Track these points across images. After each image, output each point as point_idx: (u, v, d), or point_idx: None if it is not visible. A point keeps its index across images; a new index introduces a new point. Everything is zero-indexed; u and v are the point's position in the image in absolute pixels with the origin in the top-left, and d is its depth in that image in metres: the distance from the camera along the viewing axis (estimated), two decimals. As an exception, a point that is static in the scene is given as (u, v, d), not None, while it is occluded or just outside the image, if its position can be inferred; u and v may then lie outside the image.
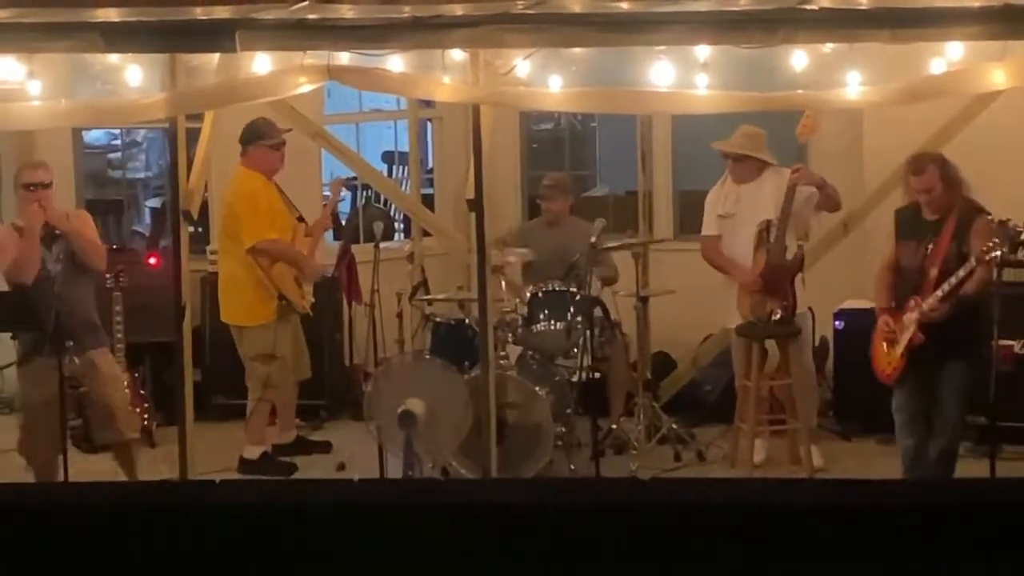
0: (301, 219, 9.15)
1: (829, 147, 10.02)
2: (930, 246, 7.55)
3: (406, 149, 11.81)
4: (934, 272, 7.50)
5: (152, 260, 10.19)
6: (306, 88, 7.85)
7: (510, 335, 8.81)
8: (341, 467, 8.91)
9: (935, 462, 7.71)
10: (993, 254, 7.24)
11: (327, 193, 11.78)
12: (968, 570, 3.37)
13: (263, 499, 3.76)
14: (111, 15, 7.67)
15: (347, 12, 7.51)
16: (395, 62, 7.70)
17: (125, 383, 8.73)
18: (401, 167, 13.48)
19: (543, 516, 3.54)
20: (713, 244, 8.94)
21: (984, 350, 7.55)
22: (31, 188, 7.86)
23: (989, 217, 7.48)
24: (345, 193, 11.18)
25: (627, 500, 3.63)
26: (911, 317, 7.55)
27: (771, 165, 8.73)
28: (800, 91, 7.70)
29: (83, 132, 11.52)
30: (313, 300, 9.11)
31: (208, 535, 3.51)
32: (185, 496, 3.88)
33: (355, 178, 9.55)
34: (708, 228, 9.01)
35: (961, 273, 7.39)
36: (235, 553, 3.52)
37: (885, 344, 7.72)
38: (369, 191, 12.46)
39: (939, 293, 7.45)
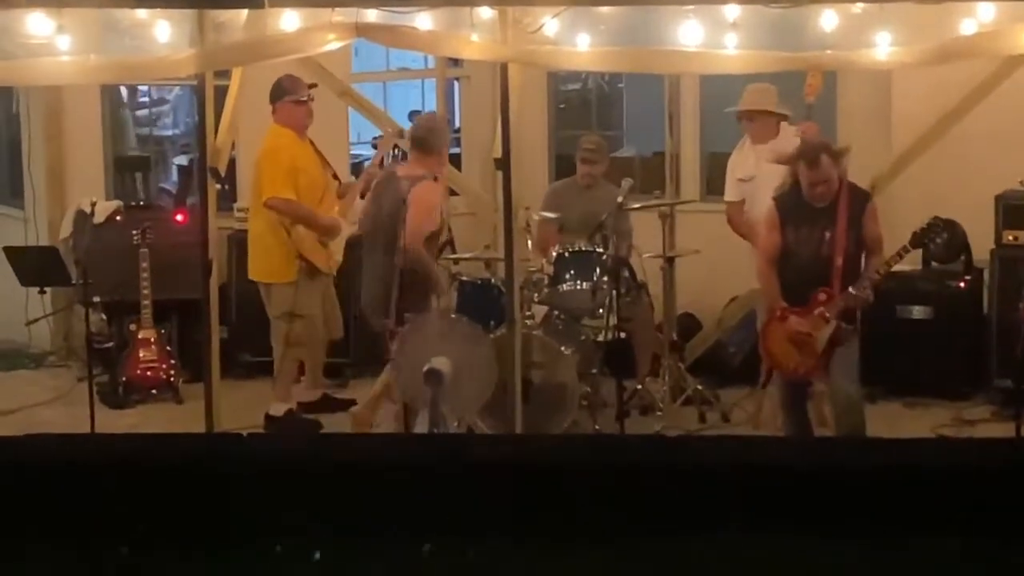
0: (335, 177, 9.15)
1: (857, 109, 9.96)
2: (827, 234, 7.31)
3: (433, 108, 11.79)
4: (839, 261, 7.29)
5: (179, 217, 10.19)
6: (334, 45, 7.84)
7: (536, 295, 8.81)
8: (367, 425, 8.93)
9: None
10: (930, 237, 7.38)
11: (354, 152, 11.79)
12: (992, 526, 3.38)
13: (289, 453, 3.79)
14: (140, -29, 7.67)
15: (376, -31, 7.49)
16: (423, 20, 7.68)
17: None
18: (428, 126, 13.44)
19: (568, 472, 3.57)
20: (736, 211, 8.92)
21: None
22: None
23: (874, 200, 7.43)
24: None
25: (652, 457, 3.65)
26: (828, 311, 7.32)
27: (786, 123, 8.67)
28: (829, 51, 7.65)
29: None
30: (340, 260, 9.12)
31: (234, 486, 3.54)
32: (213, 448, 3.91)
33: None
34: (730, 194, 8.99)
35: (893, 262, 7.32)
36: (261, 504, 3.54)
37: (793, 345, 7.45)
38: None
39: (875, 276, 7.30)
